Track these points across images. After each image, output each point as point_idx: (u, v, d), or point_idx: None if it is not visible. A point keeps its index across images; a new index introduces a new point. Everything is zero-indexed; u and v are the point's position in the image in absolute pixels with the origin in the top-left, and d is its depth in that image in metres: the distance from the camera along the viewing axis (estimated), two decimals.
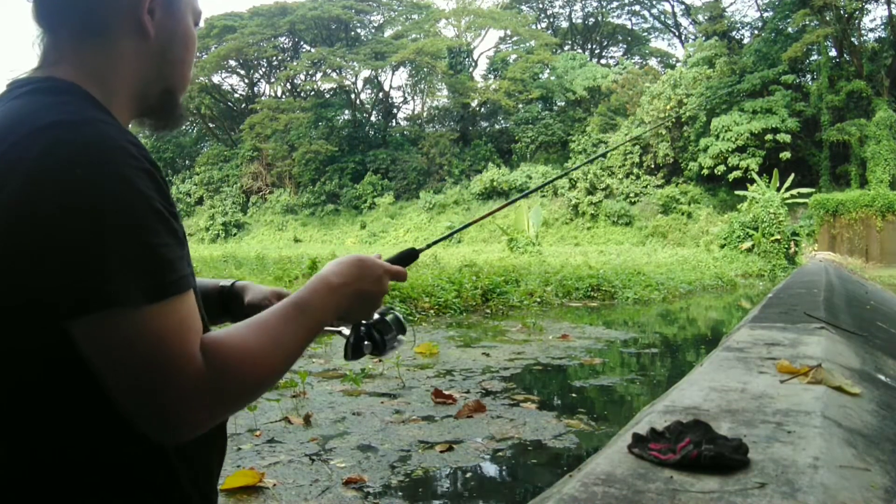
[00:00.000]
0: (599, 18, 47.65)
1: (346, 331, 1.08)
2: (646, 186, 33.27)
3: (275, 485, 3.01)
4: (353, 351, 1.07)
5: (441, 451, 3.51)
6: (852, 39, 30.95)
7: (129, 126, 0.93)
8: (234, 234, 42.51)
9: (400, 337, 1.10)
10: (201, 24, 0.98)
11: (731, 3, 43.78)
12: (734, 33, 36.84)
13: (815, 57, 31.92)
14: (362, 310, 1.00)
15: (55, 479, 0.78)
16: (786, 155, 28.45)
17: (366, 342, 1.06)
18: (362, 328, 1.06)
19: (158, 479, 0.84)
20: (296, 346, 0.87)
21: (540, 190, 33.89)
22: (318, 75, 45.83)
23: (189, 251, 0.89)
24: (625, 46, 49.02)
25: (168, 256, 0.76)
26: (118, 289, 0.72)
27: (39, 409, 0.78)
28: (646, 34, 48.54)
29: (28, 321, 0.75)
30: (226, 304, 1.20)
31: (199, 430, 0.78)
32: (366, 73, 45.61)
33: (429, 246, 1.19)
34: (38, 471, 0.78)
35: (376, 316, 1.07)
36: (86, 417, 0.78)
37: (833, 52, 31.33)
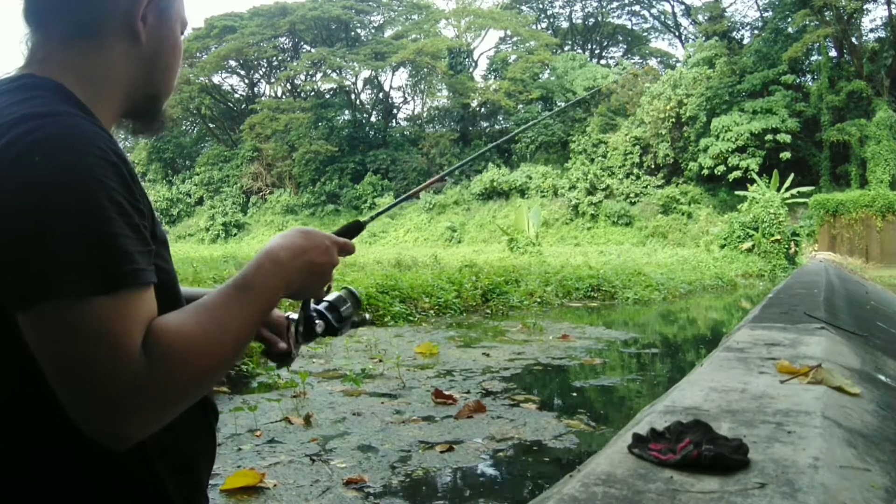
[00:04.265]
0: (599, 19, 47.63)
1: (294, 315, 1.00)
2: (646, 187, 33.24)
3: (275, 485, 3.01)
4: (305, 333, 0.99)
5: (441, 452, 3.51)
6: (852, 39, 30.91)
7: (112, 128, 0.92)
8: (235, 235, 42.49)
9: (356, 314, 1.02)
10: (187, 32, 1.00)
11: (731, 4, 43.79)
12: (734, 33, 36.79)
13: (815, 57, 31.89)
14: (313, 284, 0.93)
15: (33, 483, 0.77)
16: (786, 155, 28.42)
17: (317, 321, 0.98)
18: (312, 308, 0.98)
19: (142, 484, 0.82)
20: (245, 330, 0.81)
21: (540, 187, 33.78)
22: (318, 75, 45.82)
23: (166, 253, 0.87)
24: (625, 46, 49.01)
25: (124, 247, 0.72)
26: (64, 278, 0.69)
27: (12, 410, 0.76)
28: (646, 34, 48.57)
29: None
30: None
31: (148, 428, 0.73)
32: (366, 73, 45.64)
33: (372, 218, 1.14)
34: (16, 474, 0.77)
35: (328, 297, 0.99)
36: (61, 419, 0.73)
37: (833, 52, 31.28)
